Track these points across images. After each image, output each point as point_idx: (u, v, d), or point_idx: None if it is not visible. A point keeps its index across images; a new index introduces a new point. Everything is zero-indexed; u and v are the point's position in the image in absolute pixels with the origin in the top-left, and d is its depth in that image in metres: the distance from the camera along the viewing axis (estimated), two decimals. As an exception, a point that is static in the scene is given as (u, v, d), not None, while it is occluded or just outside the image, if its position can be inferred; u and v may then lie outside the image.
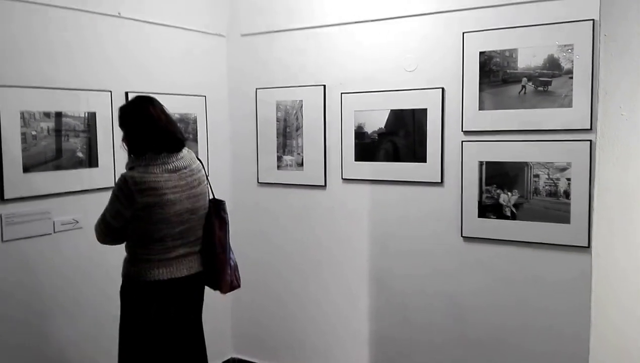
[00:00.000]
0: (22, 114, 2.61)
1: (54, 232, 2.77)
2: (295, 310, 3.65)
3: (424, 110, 3.07)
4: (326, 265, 3.51)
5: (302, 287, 3.61)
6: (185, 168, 2.43)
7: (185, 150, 2.49)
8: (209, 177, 2.61)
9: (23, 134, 2.62)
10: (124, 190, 2.32)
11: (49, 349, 2.78)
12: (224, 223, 2.54)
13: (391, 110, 3.17)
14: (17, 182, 2.60)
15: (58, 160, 2.77)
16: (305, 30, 3.43)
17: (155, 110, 2.43)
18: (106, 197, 2.40)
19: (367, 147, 3.27)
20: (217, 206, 2.55)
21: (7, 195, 2.57)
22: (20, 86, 2.61)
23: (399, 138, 3.17)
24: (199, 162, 2.55)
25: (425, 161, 3.09)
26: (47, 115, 2.72)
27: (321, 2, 3.38)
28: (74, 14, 2.83)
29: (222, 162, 3.73)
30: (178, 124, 3.30)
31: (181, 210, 2.38)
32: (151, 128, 2.39)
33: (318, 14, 3.39)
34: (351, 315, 3.44)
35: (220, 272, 2.53)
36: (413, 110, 3.11)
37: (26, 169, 2.64)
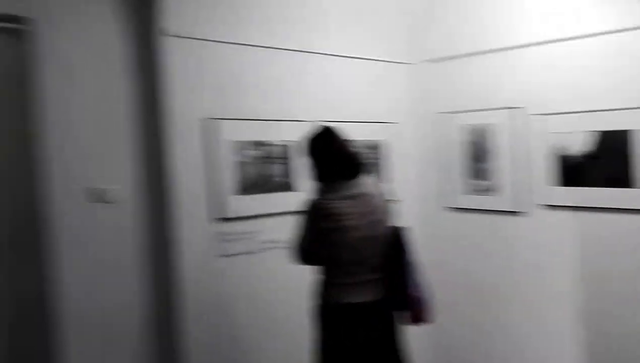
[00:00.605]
0: (236, 143, 2.92)
1: (261, 250, 3.01)
2: (488, 347, 3.50)
3: (635, 131, 2.80)
4: (522, 301, 3.31)
5: (495, 324, 3.44)
6: (365, 194, 2.48)
7: (366, 177, 2.55)
8: (392, 203, 2.64)
9: (237, 161, 2.93)
10: (308, 215, 2.47)
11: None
12: (402, 252, 2.52)
13: (596, 131, 2.94)
14: (233, 203, 2.90)
15: (264, 184, 3.03)
16: (493, 52, 3.35)
17: (335, 139, 2.54)
18: (300, 219, 2.55)
19: (569, 171, 3.05)
20: (397, 234, 2.54)
21: (225, 215, 2.88)
22: (234, 119, 2.92)
23: (605, 161, 2.92)
24: (380, 188, 2.59)
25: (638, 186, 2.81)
26: (255, 144, 3.00)
27: (508, 24, 3.30)
28: (274, 53, 3.11)
29: (408, 187, 3.74)
30: (362, 151, 3.44)
31: (361, 236, 2.43)
32: (331, 156, 2.51)
33: (505, 36, 3.30)
34: (555, 360, 3.19)
35: (399, 302, 2.52)
36: (622, 131, 2.84)
37: (240, 191, 2.93)
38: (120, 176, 2.73)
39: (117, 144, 2.73)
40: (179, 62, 2.76)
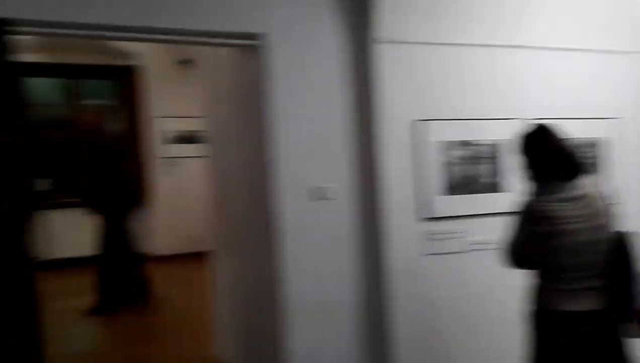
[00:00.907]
0: (443, 143, 2.98)
1: (466, 250, 3.03)
2: None
3: None
4: None
5: None
6: (585, 196, 2.33)
7: (585, 178, 2.39)
8: (615, 206, 2.43)
9: (444, 162, 2.98)
10: (522, 217, 2.38)
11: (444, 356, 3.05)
12: (627, 259, 2.31)
13: None
14: (439, 203, 2.97)
15: (470, 184, 3.03)
16: None
17: (551, 138, 2.41)
18: (512, 221, 2.48)
19: None
20: (621, 240, 2.33)
21: (431, 214, 2.96)
22: (441, 119, 2.98)
23: None
24: (601, 190, 2.41)
25: None
26: (462, 143, 3.02)
27: None
28: (479, 50, 3.08)
29: (633, 189, 3.40)
30: (581, 150, 3.22)
31: (581, 241, 2.29)
32: (546, 156, 2.38)
33: None
34: None
35: (623, 312, 2.32)
36: None
37: (446, 191, 2.98)
38: (337, 175, 2.96)
39: (334, 145, 2.96)
40: (391, 67, 2.90)
